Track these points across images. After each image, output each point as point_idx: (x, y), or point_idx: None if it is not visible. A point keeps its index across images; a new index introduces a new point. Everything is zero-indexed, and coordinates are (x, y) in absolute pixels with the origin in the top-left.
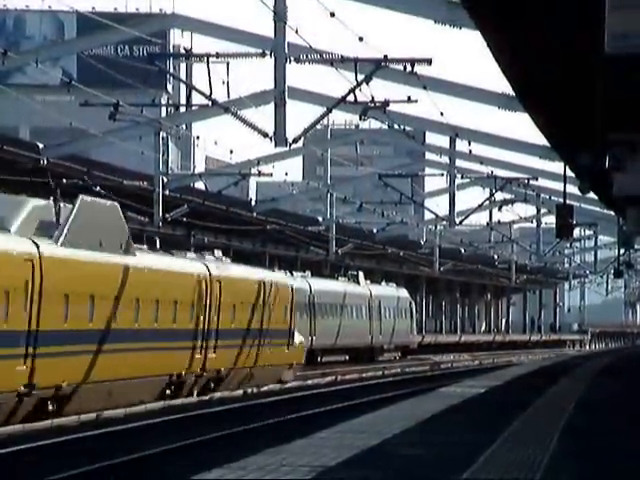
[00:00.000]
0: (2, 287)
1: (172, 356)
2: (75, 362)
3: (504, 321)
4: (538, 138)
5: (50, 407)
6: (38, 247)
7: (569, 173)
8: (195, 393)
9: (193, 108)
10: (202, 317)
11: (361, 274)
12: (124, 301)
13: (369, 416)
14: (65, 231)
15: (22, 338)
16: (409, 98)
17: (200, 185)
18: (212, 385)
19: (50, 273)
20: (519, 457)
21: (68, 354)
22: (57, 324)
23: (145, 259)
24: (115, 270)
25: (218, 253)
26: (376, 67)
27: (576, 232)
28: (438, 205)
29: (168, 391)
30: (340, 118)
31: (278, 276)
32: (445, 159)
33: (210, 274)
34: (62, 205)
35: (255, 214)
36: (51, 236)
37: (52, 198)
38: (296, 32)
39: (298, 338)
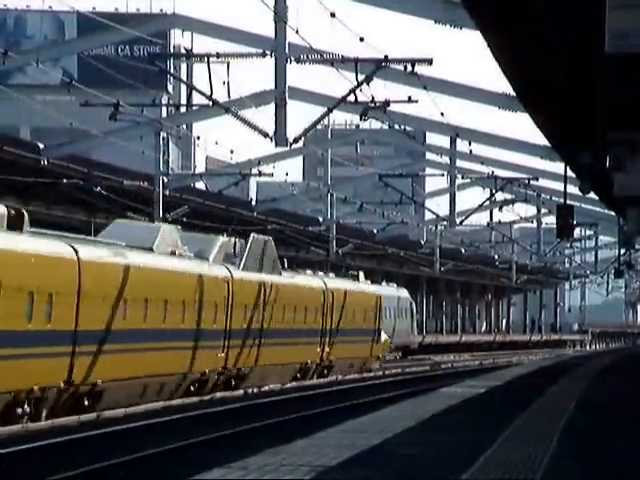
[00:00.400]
0: (213, 301)
1: (303, 350)
2: (241, 351)
3: (504, 321)
4: (538, 138)
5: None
6: (230, 272)
7: (569, 173)
8: (315, 376)
9: (193, 108)
10: (322, 319)
11: (361, 274)
12: (277, 307)
13: (369, 416)
14: (244, 260)
15: (221, 335)
16: (409, 98)
17: (200, 185)
18: (325, 371)
19: (237, 291)
20: (519, 457)
21: (248, 346)
22: (241, 325)
23: (286, 277)
24: (270, 286)
25: (331, 274)
26: (376, 67)
27: (576, 232)
28: (438, 205)
29: (299, 374)
30: (340, 118)
31: (372, 287)
32: (445, 159)
33: (326, 287)
34: (237, 240)
35: (255, 214)
36: (232, 263)
37: (231, 235)
38: (296, 32)
39: (383, 336)
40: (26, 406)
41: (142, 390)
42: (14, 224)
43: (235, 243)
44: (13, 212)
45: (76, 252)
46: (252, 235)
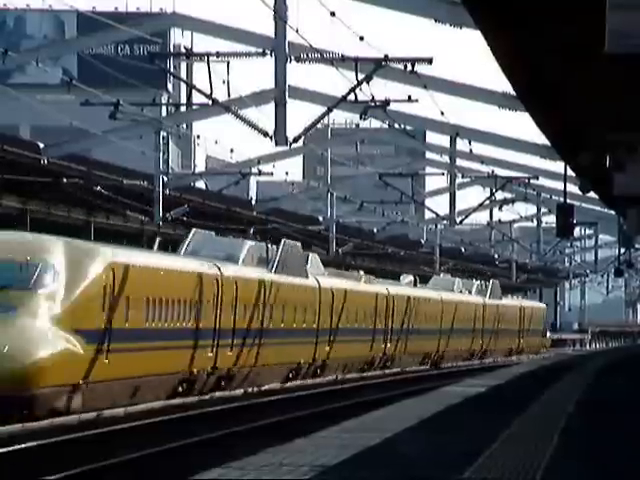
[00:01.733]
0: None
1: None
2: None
3: None
4: (538, 137)
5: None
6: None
7: (569, 172)
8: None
9: (194, 107)
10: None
11: (362, 274)
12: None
13: (369, 415)
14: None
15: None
16: (409, 97)
17: (200, 184)
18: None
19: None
20: (519, 456)
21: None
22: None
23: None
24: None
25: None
26: (376, 66)
27: (576, 231)
28: (439, 204)
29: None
30: (340, 117)
31: (534, 303)
32: (446, 158)
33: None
34: (269, 246)
35: (255, 213)
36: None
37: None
38: (296, 31)
39: (548, 333)
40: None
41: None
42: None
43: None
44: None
45: (219, 269)
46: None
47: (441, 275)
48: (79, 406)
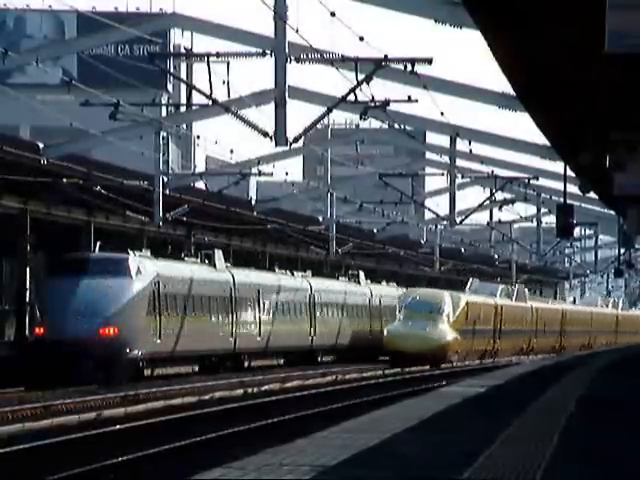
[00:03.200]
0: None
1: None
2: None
3: None
4: (538, 138)
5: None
6: (499, 301)
7: (569, 173)
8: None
9: (193, 108)
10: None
11: (362, 274)
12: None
13: (369, 416)
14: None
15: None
16: (409, 98)
17: (200, 185)
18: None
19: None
20: (519, 456)
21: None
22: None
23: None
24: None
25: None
26: (376, 67)
27: (576, 231)
28: (438, 205)
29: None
30: (340, 118)
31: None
32: (445, 159)
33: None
34: (513, 287)
35: (255, 214)
36: (506, 298)
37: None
38: (296, 32)
39: None
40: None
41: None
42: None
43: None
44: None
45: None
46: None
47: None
48: (456, 360)
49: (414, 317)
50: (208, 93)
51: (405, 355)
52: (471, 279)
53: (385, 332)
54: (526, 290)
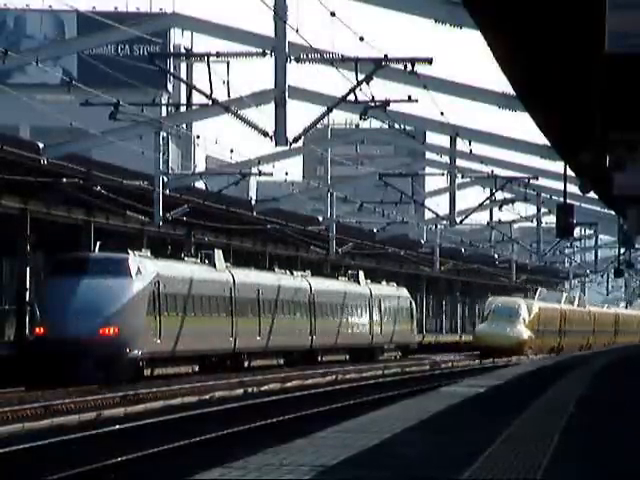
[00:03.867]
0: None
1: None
2: None
3: None
4: (538, 137)
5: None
6: (564, 307)
7: (569, 172)
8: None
9: (193, 107)
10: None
11: (361, 274)
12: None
13: (369, 416)
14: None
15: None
16: (409, 97)
17: (200, 185)
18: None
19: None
20: (519, 456)
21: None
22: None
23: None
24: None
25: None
26: (376, 67)
27: (576, 231)
28: (438, 204)
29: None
30: (340, 117)
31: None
32: (445, 158)
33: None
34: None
35: (255, 214)
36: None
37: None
38: (296, 31)
39: None
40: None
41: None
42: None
43: (575, 297)
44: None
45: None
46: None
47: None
48: (530, 353)
49: (498, 320)
50: (208, 93)
51: (491, 349)
52: (540, 289)
53: (475, 332)
54: (585, 297)
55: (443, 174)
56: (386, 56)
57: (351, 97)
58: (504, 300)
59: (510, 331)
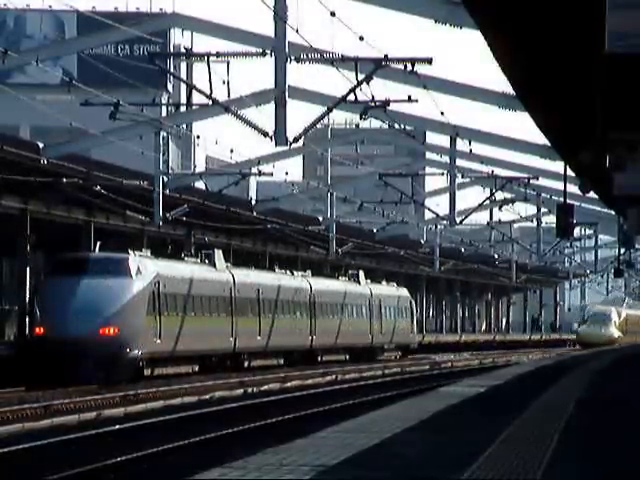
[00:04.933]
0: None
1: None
2: None
3: (504, 320)
4: (538, 137)
5: None
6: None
7: (569, 172)
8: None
9: (193, 107)
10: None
11: (361, 273)
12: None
13: (369, 416)
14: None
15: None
16: (409, 97)
17: (200, 185)
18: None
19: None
20: (519, 456)
21: None
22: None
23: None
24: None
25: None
26: (376, 66)
27: (576, 231)
28: (438, 204)
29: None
30: (340, 117)
31: None
32: (445, 158)
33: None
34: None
35: (255, 214)
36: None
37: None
38: (296, 31)
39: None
40: None
41: None
42: None
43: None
44: None
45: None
46: (625, 300)
47: (630, 300)
48: (619, 346)
49: (595, 323)
50: (208, 93)
51: (590, 345)
52: (627, 298)
53: (578, 331)
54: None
55: (443, 174)
56: (386, 56)
57: (351, 97)
58: (599, 308)
59: (604, 332)
